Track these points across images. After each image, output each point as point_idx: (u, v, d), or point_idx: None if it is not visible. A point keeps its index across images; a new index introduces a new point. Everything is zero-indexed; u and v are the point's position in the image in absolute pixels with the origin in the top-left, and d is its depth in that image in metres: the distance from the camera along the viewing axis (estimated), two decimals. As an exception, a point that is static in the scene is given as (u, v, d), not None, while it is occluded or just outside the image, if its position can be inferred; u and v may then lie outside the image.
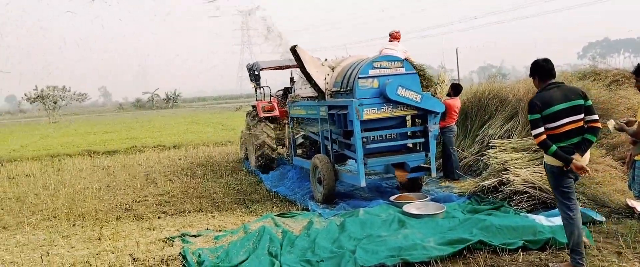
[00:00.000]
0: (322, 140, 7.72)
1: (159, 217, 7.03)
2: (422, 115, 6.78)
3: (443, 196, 6.98)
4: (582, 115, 3.98)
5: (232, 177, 10.07)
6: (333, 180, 6.99)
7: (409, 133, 7.26)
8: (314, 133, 8.35)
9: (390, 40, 8.33)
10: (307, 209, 6.80)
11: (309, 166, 7.83)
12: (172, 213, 7.23)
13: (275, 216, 6.32)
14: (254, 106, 10.80)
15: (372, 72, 6.55)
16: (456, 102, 8.12)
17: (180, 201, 8.06)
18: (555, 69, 4.09)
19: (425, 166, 7.09)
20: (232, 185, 9.15)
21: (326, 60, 7.86)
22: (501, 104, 8.96)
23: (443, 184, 8.00)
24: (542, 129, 3.95)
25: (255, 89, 11.46)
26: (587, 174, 3.94)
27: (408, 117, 7.45)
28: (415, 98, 6.49)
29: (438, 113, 6.71)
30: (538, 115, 3.94)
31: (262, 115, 10.14)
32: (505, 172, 6.42)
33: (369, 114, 6.45)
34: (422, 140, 6.87)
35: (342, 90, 6.90)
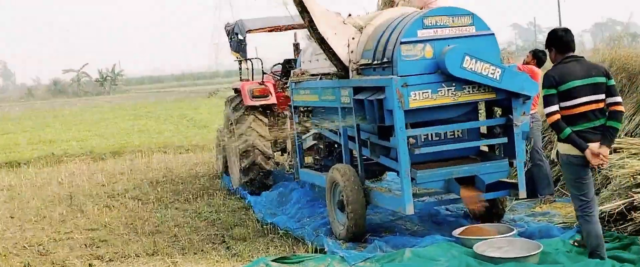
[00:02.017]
0: (345, 142, 7.72)
1: (90, 265, 7.07)
2: (504, 100, 6.75)
3: (538, 227, 6.94)
4: (603, 96, 5.30)
5: (203, 201, 10.10)
6: (362, 205, 6.99)
7: (483, 129, 7.21)
8: (331, 131, 8.34)
9: None
10: (323, 251, 6.80)
11: (323, 183, 7.83)
12: (110, 258, 7.27)
13: (272, 261, 6.33)
14: (237, 89, 10.83)
15: (422, 33, 6.53)
16: (538, 75, 8.14)
17: (124, 238, 8.10)
18: None
19: (509, 181, 7.03)
20: (204, 214, 9.19)
21: (350, 15, 7.85)
22: (631, 82, 8.88)
23: (538, 208, 7.95)
24: (556, 107, 5.25)
25: (240, 62, 11.48)
26: (603, 166, 5.24)
27: (481, 105, 7.40)
28: (493, 74, 6.47)
29: (529, 97, 6.68)
30: (554, 91, 5.25)
31: (251, 103, 10.18)
32: (637, 190, 6.37)
33: (419, 99, 6.43)
34: (504, 140, 6.84)
35: (375, 63, 6.90)
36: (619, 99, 5.33)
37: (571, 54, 5.40)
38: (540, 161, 8.12)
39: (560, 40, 5.43)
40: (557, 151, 5.55)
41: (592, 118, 5.29)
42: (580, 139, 5.21)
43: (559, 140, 5.41)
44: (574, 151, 5.30)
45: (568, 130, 5.22)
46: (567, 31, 5.47)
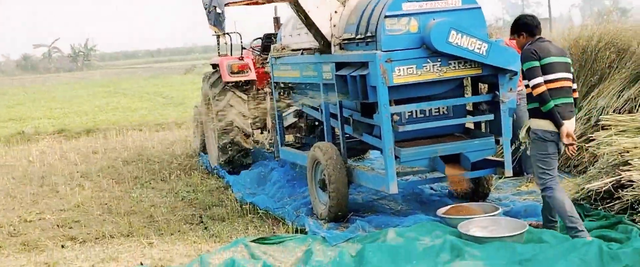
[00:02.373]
0: (327, 119, 7.73)
1: (62, 246, 7.06)
2: (490, 76, 6.78)
3: (524, 206, 7.01)
4: (571, 76, 5.84)
5: (180, 180, 10.11)
6: (345, 184, 7.01)
7: (468, 106, 7.23)
8: (313, 108, 8.33)
9: None
10: (304, 231, 6.83)
11: (304, 162, 7.85)
12: (84, 239, 7.26)
13: (252, 242, 6.35)
14: (215, 65, 10.79)
15: (407, 7, 6.52)
16: None
17: (98, 219, 8.10)
18: None
19: (495, 159, 7.08)
20: (180, 193, 9.20)
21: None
22: (619, 57, 8.92)
23: (523, 187, 8.01)
24: (542, 79, 5.61)
25: (218, 36, 11.42)
26: (572, 147, 5.71)
27: (467, 81, 7.41)
28: (479, 49, 6.48)
29: (516, 73, 6.72)
30: (537, 63, 5.66)
31: (229, 79, 10.15)
32: (625, 168, 6.41)
33: (403, 75, 6.44)
34: (490, 117, 6.87)
35: (358, 37, 6.89)
36: (575, 86, 5.95)
37: (539, 36, 5.90)
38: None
39: (530, 25, 5.91)
40: (529, 127, 5.89)
41: (566, 95, 5.76)
42: (558, 115, 5.62)
43: (537, 116, 5.76)
44: (551, 127, 5.68)
45: (552, 103, 5.61)
46: (533, 17, 6.02)
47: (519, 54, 6.83)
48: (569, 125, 5.70)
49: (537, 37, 5.89)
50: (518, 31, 5.98)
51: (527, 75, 5.71)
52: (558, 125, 5.64)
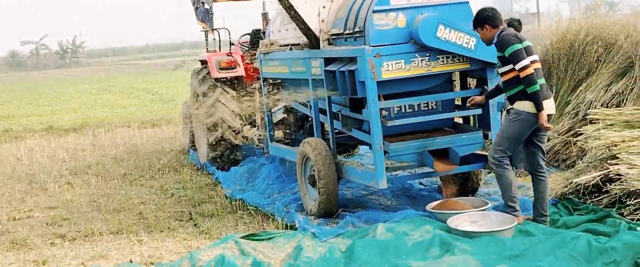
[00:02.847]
0: (316, 115, 7.73)
1: (52, 244, 7.04)
2: (479, 71, 6.79)
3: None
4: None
5: (169, 177, 10.08)
6: (334, 180, 7.01)
7: (457, 101, 7.24)
8: (302, 104, 8.33)
9: None
10: (293, 227, 6.85)
11: (294, 158, 7.85)
12: (73, 237, 7.24)
13: (241, 238, 6.35)
14: (203, 61, 10.76)
15: (395, 1, 6.52)
16: None
17: (87, 217, 8.07)
18: None
19: (483, 153, 7.11)
20: (170, 190, 9.18)
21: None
22: (607, 51, 8.93)
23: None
24: (529, 61, 5.79)
25: (206, 32, 11.39)
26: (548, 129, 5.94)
27: (455, 75, 7.43)
28: (467, 43, 6.49)
29: (504, 68, 6.73)
30: (521, 46, 5.82)
31: (218, 75, 10.14)
32: (613, 162, 6.45)
33: (392, 70, 6.45)
34: (479, 111, 6.88)
35: (346, 32, 6.89)
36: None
37: (502, 26, 6.08)
38: None
39: (492, 17, 6.03)
40: (513, 107, 5.98)
41: (542, 76, 6.00)
42: (541, 98, 5.80)
43: (521, 99, 5.89)
44: (534, 110, 5.84)
45: (538, 85, 5.78)
46: (493, 9, 6.18)
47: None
48: (549, 105, 5.92)
49: (501, 27, 6.02)
50: (481, 25, 6.08)
51: (513, 58, 5.82)
52: (539, 108, 5.80)
